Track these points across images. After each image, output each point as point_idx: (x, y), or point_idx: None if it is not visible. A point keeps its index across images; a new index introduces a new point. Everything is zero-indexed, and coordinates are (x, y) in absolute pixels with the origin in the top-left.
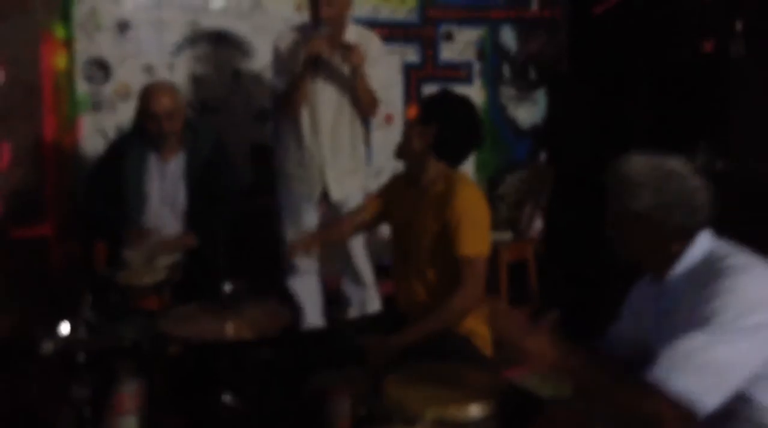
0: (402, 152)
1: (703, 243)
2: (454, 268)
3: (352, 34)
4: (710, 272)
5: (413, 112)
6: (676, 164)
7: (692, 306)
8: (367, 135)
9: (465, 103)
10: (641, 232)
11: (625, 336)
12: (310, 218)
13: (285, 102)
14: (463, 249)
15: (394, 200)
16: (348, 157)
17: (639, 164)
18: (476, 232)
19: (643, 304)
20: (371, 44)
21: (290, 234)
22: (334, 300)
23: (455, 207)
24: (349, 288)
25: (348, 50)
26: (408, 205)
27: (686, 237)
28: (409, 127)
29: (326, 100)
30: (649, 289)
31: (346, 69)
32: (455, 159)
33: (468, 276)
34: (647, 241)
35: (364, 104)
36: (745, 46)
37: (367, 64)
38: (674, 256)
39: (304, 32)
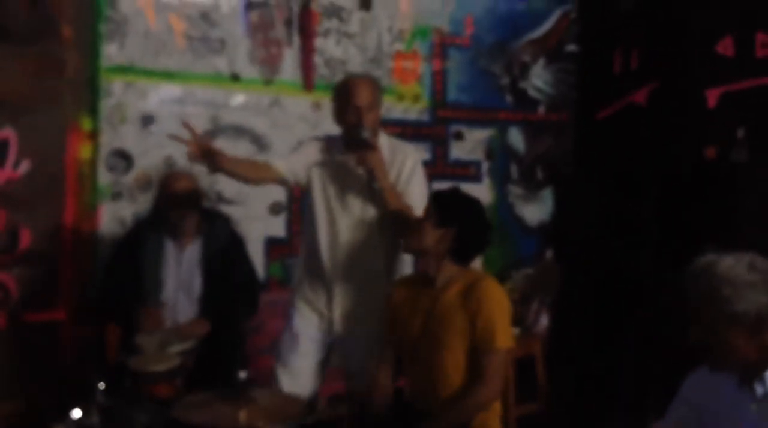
0: (416, 250)
1: None
2: (478, 362)
3: (385, 144)
4: None
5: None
6: (764, 260)
7: None
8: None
9: (478, 204)
10: (750, 333)
11: None
12: (307, 354)
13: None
14: (491, 344)
15: (403, 308)
16: (364, 286)
17: (735, 265)
18: (502, 325)
19: (723, 406)
20: (407, 159)
21: (281, 374)
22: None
23: (481, 301)
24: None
25: (365, 151)
26: (422, 309)
27: None
28: (419, 222)
29: (346, 215)
30: (731, 390)
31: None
32: (469, 259)
33: (492, 369)
34: (754, 343)
35: (396, 222)
36: (748, 152)
37: (402, 181)
38: None
39: (331, 144)
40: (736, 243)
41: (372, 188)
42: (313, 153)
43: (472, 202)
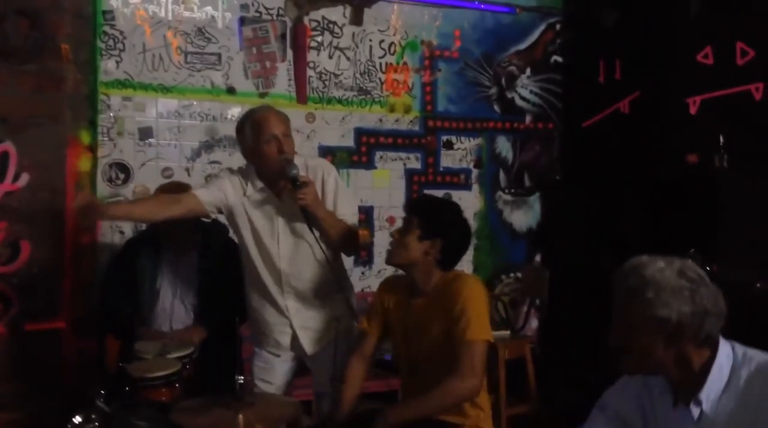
0: (403, 264)
1: (724, 350)
2: (455, 354)
3: (300, 164)
4: (759, 386)
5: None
6: (696, 267)
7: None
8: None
9: (458, 210)
10: (668, 341)
11: None
12: (282, 374)
13: None
14: (464, 335)
15: (395, 309)
16: (320, 306)
17: (664, 269)
18: (477, 319)
19: (660, 419)
20: (328, 175)
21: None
22: None
23: (459, 296)
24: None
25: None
26: (415, 315)
27: (710, 346)
28: (403, 235)
29: (282, 241)
30: (667, 407)
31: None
32: (454, 265)
33: (466, 360)
34: (672, 351)
35: (338, 242)
36: (728, 159)
37: (329, 198)
38: (702, 370)
39: (246, 176)
40: (717, 246)
41: (310, 221)
42: (228, 185)
43: (454, 210)
